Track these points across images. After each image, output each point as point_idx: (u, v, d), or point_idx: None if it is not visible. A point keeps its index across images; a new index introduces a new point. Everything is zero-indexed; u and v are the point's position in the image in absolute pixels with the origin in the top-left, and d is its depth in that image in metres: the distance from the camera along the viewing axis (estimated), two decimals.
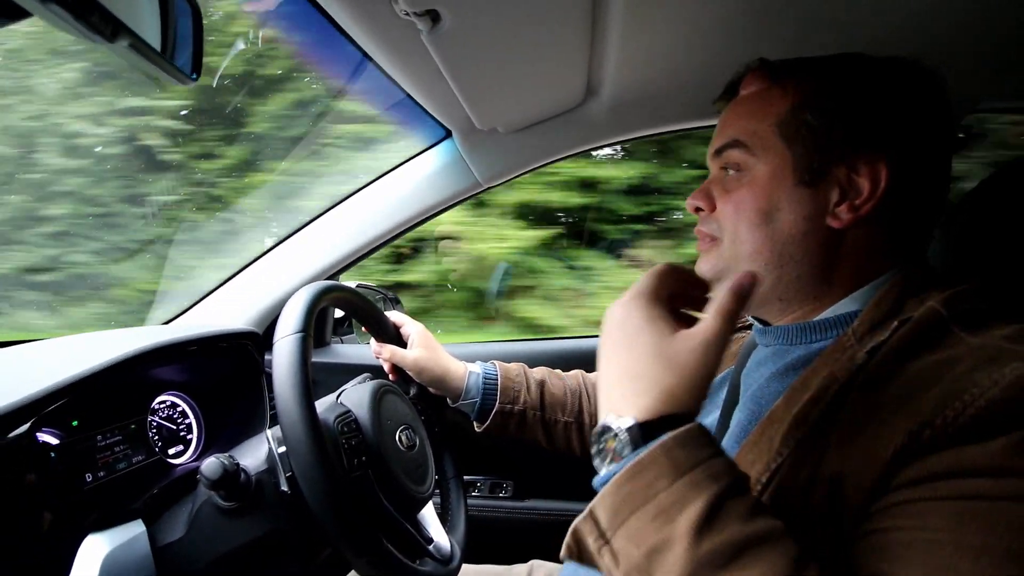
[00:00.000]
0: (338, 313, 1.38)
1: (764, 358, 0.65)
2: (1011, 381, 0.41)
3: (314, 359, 1.30)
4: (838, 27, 0.81)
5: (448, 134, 1.17)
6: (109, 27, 0.43)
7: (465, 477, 1.31)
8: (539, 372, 1.01)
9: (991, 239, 0.65)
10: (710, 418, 0.69)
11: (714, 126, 1.16)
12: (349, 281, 1.32)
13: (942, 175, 0.60)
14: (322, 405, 0.78)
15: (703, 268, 0.65)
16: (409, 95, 0.98)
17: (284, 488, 0.71)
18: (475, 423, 0.98)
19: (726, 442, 0.60)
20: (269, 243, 1.22)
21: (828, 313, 0.59)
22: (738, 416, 0.61)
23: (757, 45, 0.83)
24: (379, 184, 1.22)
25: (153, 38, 0.52)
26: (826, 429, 0.49)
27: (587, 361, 1.11)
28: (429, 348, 0.95)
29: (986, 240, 0.65)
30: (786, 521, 0.45)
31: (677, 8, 0.78)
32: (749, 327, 0.73)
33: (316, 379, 1.26)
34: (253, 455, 0.75)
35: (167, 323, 1.23)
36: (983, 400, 0.41)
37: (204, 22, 0.59)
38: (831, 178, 0.57)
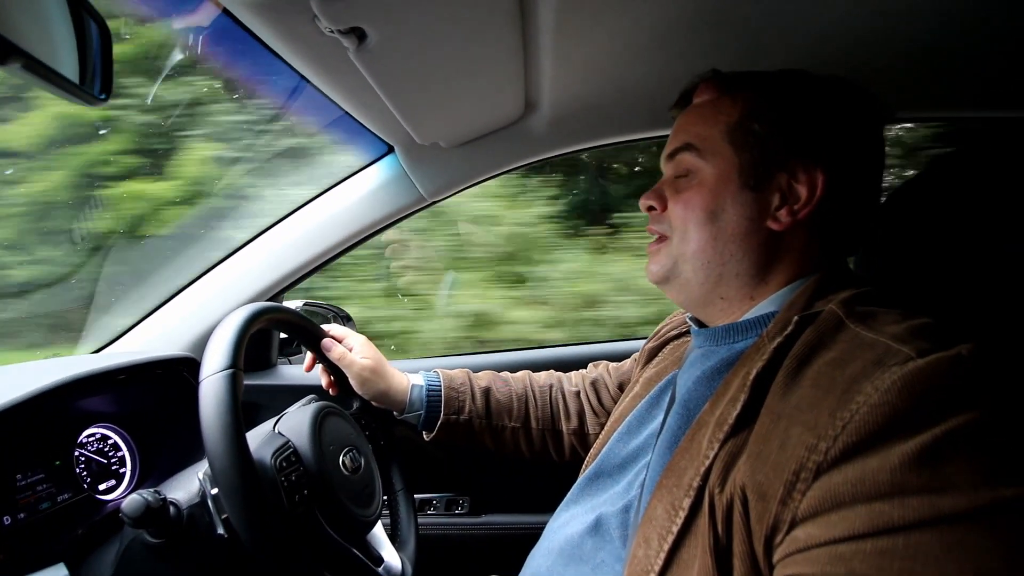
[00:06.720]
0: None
1: (695, 359, 0.67)
2: (888, 386, 0.42)
3: (259, 382, 1.26)
4: (764, 42, 0.85)
5: (390, 149, 1.16)
6: None
7: (421, 495, 1.29)
8: (484, 378, 1.00)
9: (907, 244, 0.68)
10: (656, 421, 0.71)
11: (655, 136, 1.21)
12: (295, 300, 1.28)
13: (873, 184, 0.65)
14: (258, 439, 0.74)
15: (652, 269, 0.68)
16: (347, 112, 0.97)
17: (220, 531, 0.68)
18: (423, 433, 0.97)
19: (660, 446, 0.62)
20: (207, 264, 1.18)
21: (750, 314, 0.62)
22: (671, 421, 0.62)
23: (690, 60, 0.86)
24: (322, 200, 1.19)
25: (69, 65, 0.50)
26: (744, 431, 0.50)
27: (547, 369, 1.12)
28: (373, 359, 0.93)
29: (903, 245, 0.69)
30: (717, 525, 0.47)
31: (607, 25, 0.79)
32: None
33: (260, 403, 1.23)
34: (185, 488, 0.71)
35: (98, 351, 1.17)
36: (866, 407, 0.42)
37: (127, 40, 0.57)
38: (773, 183, 0.61)
